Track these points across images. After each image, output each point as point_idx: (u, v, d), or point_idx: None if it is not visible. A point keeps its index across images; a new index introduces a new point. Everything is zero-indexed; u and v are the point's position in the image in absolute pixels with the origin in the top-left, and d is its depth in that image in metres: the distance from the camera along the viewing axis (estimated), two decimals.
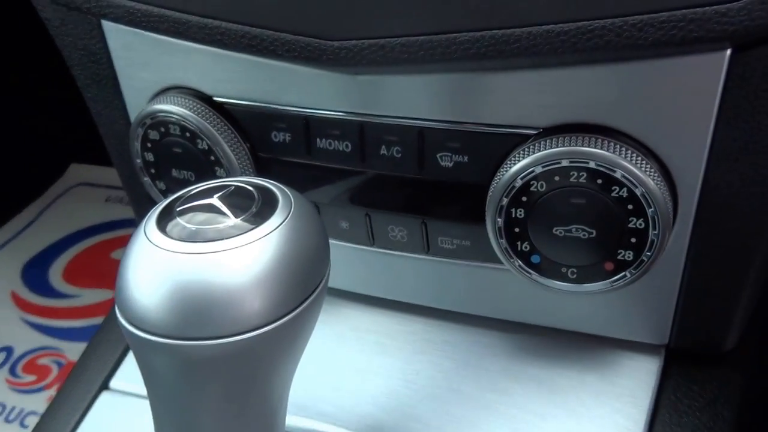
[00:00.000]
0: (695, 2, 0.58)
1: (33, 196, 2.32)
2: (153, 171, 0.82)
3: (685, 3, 0.58)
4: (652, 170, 0.65)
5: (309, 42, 0.68)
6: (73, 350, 1.82)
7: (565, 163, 0.65)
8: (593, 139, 0.65)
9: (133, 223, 0.96)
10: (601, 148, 0.64)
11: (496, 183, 0.69)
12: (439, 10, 0.64)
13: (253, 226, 0.52)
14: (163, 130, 0.79)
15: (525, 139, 0.69)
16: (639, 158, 0.64)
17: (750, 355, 0.82)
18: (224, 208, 0.54)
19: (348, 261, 0.84)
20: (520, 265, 0.72)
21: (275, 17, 0.69)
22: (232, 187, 0.56)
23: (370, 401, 0.80)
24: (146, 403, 0.59)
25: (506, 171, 0.68)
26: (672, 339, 0.78)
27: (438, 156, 0.72)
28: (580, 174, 0.65)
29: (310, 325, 0.56)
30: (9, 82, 2.15)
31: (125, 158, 0.87)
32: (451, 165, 0.72)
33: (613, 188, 0.65)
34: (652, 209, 0.65)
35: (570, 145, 0.65)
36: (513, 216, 0.69)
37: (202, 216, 0.53)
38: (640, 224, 0.66)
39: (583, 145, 0.65)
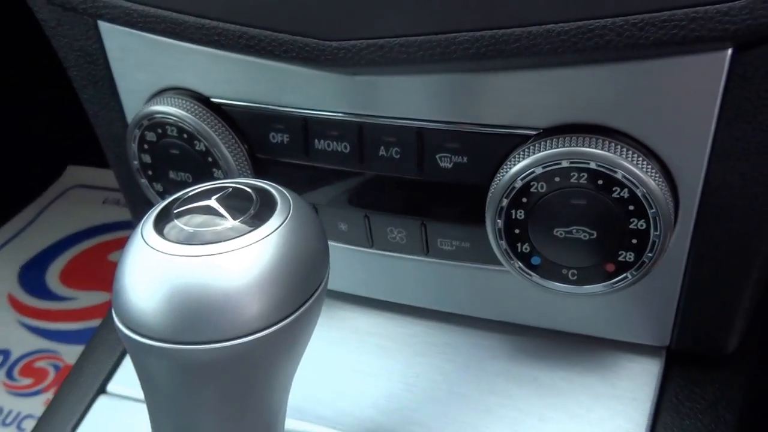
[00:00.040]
0: (697, 1, 0.57)
1: (30, 198, 2.32)
2: (150, 173, 0.82)
3: (686, 2, 0.57)
4: (653, 171, 0.64)
5: (307, 42, 0.68)
6: (70, 353, 1.82)
7: (565, 163, 0.65)
8: (594, 139, 0.65)
9: (131, 225, 0.96)
10: (602, 149, 0.64)
11: (496, 184, 0.68)
12: (439, 10, 0.64)
13: (252, 228, 0.52)
14: (160, 131, 0.78)
15: (525, 139, 0.68)
16: (640, 159, 0.64)
17: (751, 357, 0.82)
18: (222, 210, 0.53)
19: (347, 263, 0.83)
20: (520, 267, 0.71)
21: (273, 17, 0.69)
22: (230, 189, 0.56)
23: (369, 404, 0.80)
24: (144, 407, 0.58)
25: (506, 172, 0.67)
26: (673, 341, 0.77)
27: (437, 157, 0.72)
28: (581, 175, 0.65)
29: (309, 328, 0.56)
30: (5, 83, 2.15)
31: (122, 160, 0.87)
32: (450, 166, 0.72)
33: (613, 189, 0.65)
34: (654, 210, 0.64)
35: (570, 146, 0.65)
36: (513, 217, 0.69)
37: (199, 218, 0.53)
38: (641, 225, 0.65)
39: (583, 146, 0.64)
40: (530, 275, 0.71)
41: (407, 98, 0.71)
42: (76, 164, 2.43)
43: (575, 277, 0.70)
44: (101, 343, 0.92)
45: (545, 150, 0.65)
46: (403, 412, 0.79)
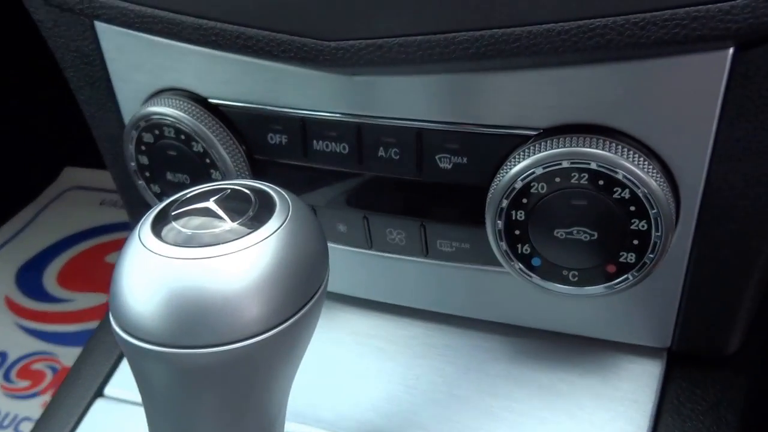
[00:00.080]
0: (698, 0, 0.57)
1: (27, 199, 2.31)
2: (147, 174, 0.82)
3: (688, 1, 0.57)
4: (654, 171, 0.64)
5: (305, 42, 0.68)
6: (68, 355, 1.82)
7: (565, 164, 0.65)
8: (594, 139, 0.64)
9: (128, 227, 0.95)
10: (603, 149, 0.64)
11: (496, 185, 0.68)
12: (438, 10, 0.64)
13: (251, 230, 0.51)
14: (157, 132, 0.78)
15: (525, 140, 0.68)
16: (641, 159, 0.64)
17: (753, 358, 0.82)
18: (220, 212, 0.53)
19: (346, 264, 0.83)
20: (520, 268, 0.71)
21: (271, 17, 0.69)
22: (229, 191, 0.55)
23: (369, 407, 0.80)
24: (141, 411, 0.58)
25: (506, 172, 0.67)
26: (674, 342, 0.77)
27: (437, 157, 0.71)
28: (582, 175, 0.65)
29: (309, 331, 0.56)
30: (2, 84, 2.14)
31: (119, 161, 0.87)
32: (450, 167, 0.71)
33: (614, 189, 0.64)
34: (655, 210, 0.64)
35: (571, 146, 0.65)
36: (513, 218, 0.68)
37: (197, 220, 0.53)
38: (643, 226, 0.65)
39: (584, 146, 0.64)
40: (530, 276, 0.71)
41: (406, 98, 0.70)
42: (73, 166, 2.42)
43: (576, 279, 0.70)
44: (99, 346, 0.92)
45: (545, 150, 0.65)
46: (403, 415, 0.78)
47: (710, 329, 0.76)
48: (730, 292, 0.73)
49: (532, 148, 0.66)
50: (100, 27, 0.79)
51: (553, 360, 0.81)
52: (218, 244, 0.50)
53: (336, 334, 0.87)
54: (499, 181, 0.68)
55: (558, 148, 0.65)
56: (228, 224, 0.52)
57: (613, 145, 0.64)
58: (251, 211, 0.53)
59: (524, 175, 0.66)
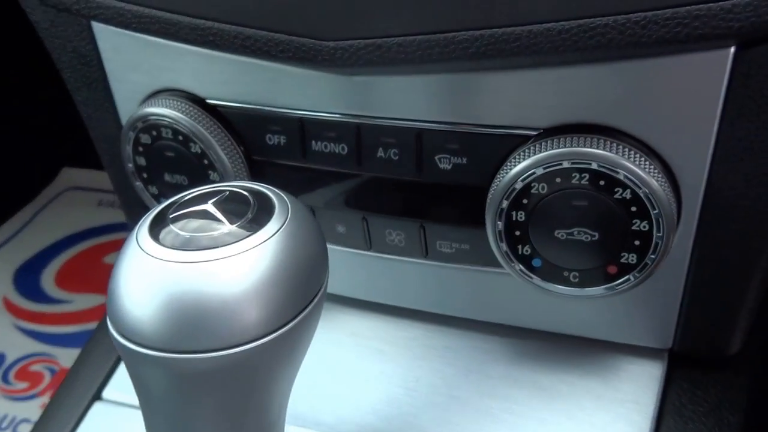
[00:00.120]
0: None
1: (24, 200, 2.31)
2: (145, 175, 0.81)
3: None
4: (656, 171, 0.64)
5: (304, 42, 0.68)
6: (66, 356, 1.81)
7: (566, 164, 0.64)
8: (595, 139, 0.64)
9: (126, 227, 0.95)
10: (603, 149, 0.64)
11: (496, 185, 0.68)
12: (437, 9, 0.63)
13: (250, 233, 0.51)
14: (155, 133, 0.78)
15: (525, 140, 0.68)
16: (642, 159, 0.64)
17: (755, 358, 0.82)
18: (219, 215, 0.53)
19: (345, 266, 0.83)
20: (521, 269, 0.71)
21: (269, 17, 0.68)
22: (227, 193, 0.55)
23: (370, 410, 0.80)
24: (140, 414, 0.57)
25: (506, 173, 0.67)
26: (675, 343, 0.77)
27: (436, 158, 0.71)
28: (582, 175, 0.64)
29: (309, 334, 0.55)
30: None
31: (116, 162, 0.86)
32: (449, 167, 0.71)
33: (615, 190, 0.64)
34: (656, 210, 0.64)
35: (571, 146, 0.64)
36: (513, 219, 0.68)
37: (196, 223, 0.52)
38: (644, 226, 0.65)
39: (584, 146, 0.64)
40: (531, 278, 0.71)
41: (405, 98, 0.70)
42: (70, 166, 2.42)
43: (577, 280, 0.69)
44: (97, 348, 0.91)
45: (546, 150, 0.65)
46: (403, 418, 0.78)
47: (712, 330, 0.76)
48: (731, 292, 0.73)
49: (532, 148, 0.66)
50: (97, 27, 0.79)
51: (554, 361, 0.81)
52: (217, 247, 0.50)
53: (335, 336, 0.87)
54: (500, 181, 0.67)
55: (558, 148, 0.65)
56: (226, 227, 0.51)
57: (614, 145, 0.64)
58: (250, 214, 0.53)
59: (525, 175, 0.66)
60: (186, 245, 0.50)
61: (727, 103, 0.61)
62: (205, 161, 0.77)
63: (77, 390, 0.87)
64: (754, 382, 0.80)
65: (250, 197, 0.54)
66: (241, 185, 0.56)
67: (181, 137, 0.76)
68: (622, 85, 0.63)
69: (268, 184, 0.57)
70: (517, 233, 0.69)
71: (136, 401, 0.57)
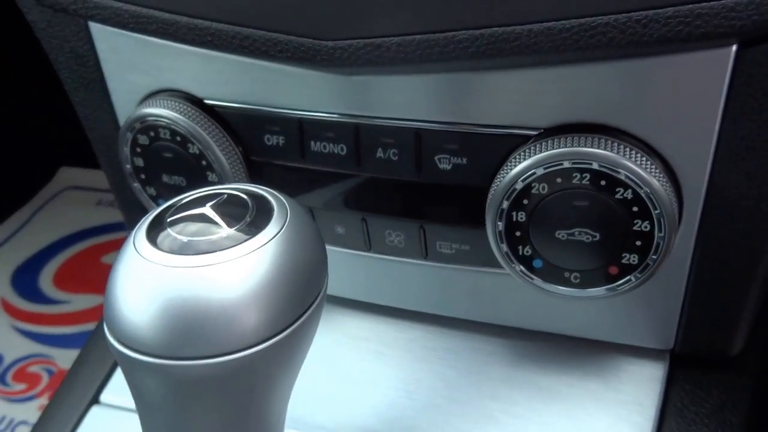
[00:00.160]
0: None
1: (22, 200, 2.31)
2: (143, 176, 0.81)
3: None
4: (657, 170, 0.64)
5: (302, 42, 0.67)
6: (64, 357, 1.81)
7: (567, 164, 0.64)
8: (596, 139, 0.64)
9: (124, 227, 0.95)
10: (604, 149, 0.63)
11: (497, 186, 0.68)
12: (437, 8, 0.63)
13: (248, 237, 0.50)
14: (152, 134, 0.77)
15: (525, 140, 0.67)
16: (643, 158, 0.63)
17: (757, 359, 0.81)
18: (217, 218, 0.52)
19: (344, 267, 0.83)
20: (521, 270, 0.70)
21: (267, 17, 0.68)
22: (225, 195, 0.55)
23: (371, 413, 0.79)
24: (137, 418, 0.57)
25: (507, 173, 0.66)
26: (677, 344, 0.77)
27: (436, 158, 0.71)
28: (583, 175, 0.64)
29: (308, 338, 0.55)
30: None
31: (114, 163, 0.86)
32: (449, 167, 0.71)
33: (617, 190, 0.64)
34: (658, 211, 0.64)
35: (572, 146, 0.64)
36: (514, 219, 0.68)
37: (194, 226, 0.52)
38: (646, 226, 0.65)
39: (585, 146, 0.64)
40: (532, 279, 0.71)
41: (405, 98, 0.70)
42: (68, 165, 2.42)
43: (578, 281, 0.69)
44: (94, 351, 0.91)
45: (546, 150, 0.65)
46: (404, 421, 0.78)
47: (714, 330, 0.76)
48: (733, 292, 0.72)
49: (532, 148, 0.66)
50: (95, 27, 0.78)
51: (555, 363, 0.81)
52: (215, 251, 0.49)
53: (335, 338, 0.87)
54: (500, 181, 0.67)
55: (559, 148, 0.64)
56: (225, 231, 0.51)
57: (615, 144, 0.63)
58: (248, 217, 0.52)
59: (525, 175, 0.65)
60: (184, 249, 0.50)
61: (729, 101, 0.61)
62: (203, 162, 0.77)
63: (75, 393, 0.87)
64: (757, 383, 0.80)
65: (248, 200, 0.54)
66: (240, 188, 0.56)
67: (179, 138, 0.76)
68: (623, 85, 0.63)
69: (266, 185, 0.57)
70: (518, 234, 0.68)
71: (134, 405, 0.56)
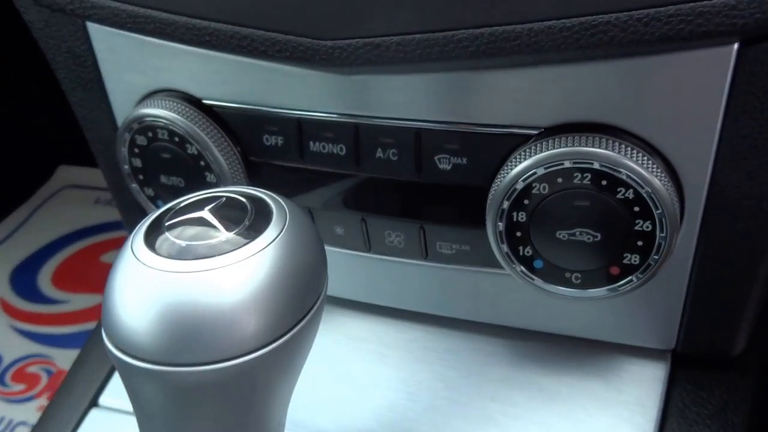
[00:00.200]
0: None
1: (21, 199, 2.31)
2: (141, 177, 0.81)
3: None
4: (658, 170, 0.63)
5: (301, 42, 0.67)
6: (63, 357, 1.81)
7: (567, 164, 0.64)
8: (597, 138, 0.64)
9: (123, 226, 0.94)
10: (605, 148, 0.63)
11: (497, 186, 0.67)
12: (436, 7, 0.63)
13: (248, 241, 0.50)
14: (150, 134, 0.77)
15: (526, 139, 0.67)
16: (644, 158, 0.63)
17: (758, 359, 0.81)
18: (216, 222, 0.52)
19: (344, 268, 0.83)
20: (522, 271, 0.70)
21: (266, 16, 0.68)
22: (224, 199, 0.54)
23: (370, 416, 0.79)
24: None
25: (507, 173, 0.66)
26: (679, 344, 0.77)
27: (436, 158, 0.71)
28: (584, 175, 0.64)
29: (308, 343, 0.54)
30: None
31: (112, 164, 0.86)
32: (449, 167, 0.71)
33: (618, 189, 0.64)
34: (659, 210, 0.63)
35: (573, 146, 0.64)
36: (514, 220, 0.68)
37: (192, 230, 0.51)
38: (647, 226, 0.64)
39: (586, 145, 0.63)
40: (532, 279, 0.70)
41: (405, 98, 0.70)
42: (67, 164, 2.41)
43: (579, 281, 0.69)
44: (93, 353, 0.91)
45: (547, 150, 0.64)
46: (404, 423, 0.78)
47: (715, 330, 0.75)
48: (735, 292, 0.72)
49: (533, 147, 0.65)
50: (92, 27, 0.78)
51: (556, 363, 0.81)
52: (214, 256, 0.49)
53: (335, 339, 0.87)
54: (500, 182, 0.67)
55: (560, 147, 0.64)
56: (223, 234, 0.51)
57: (616, 144, 0.63)
58: (247, 221, 0.52)
59: (526, 175, 0.65)
60: (182, 254, 0.49)
61: (731, 100, 0.61)
62: (202, 163, 0.76)
63: (73, 396, 0.87)
64: (759, 383, 0.80)
65: (247, 203, 0.54)
66: (239, 190, 0.55)
67: (177, 138, 0.76)
68: (624, 84, 0.63)
69: (265, 186, 0.57)
70: (518, 234, 0.68)
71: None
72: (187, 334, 0.47)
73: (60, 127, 1.84)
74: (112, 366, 0.87)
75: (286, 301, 0.50)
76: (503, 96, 0.66)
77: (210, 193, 0.55)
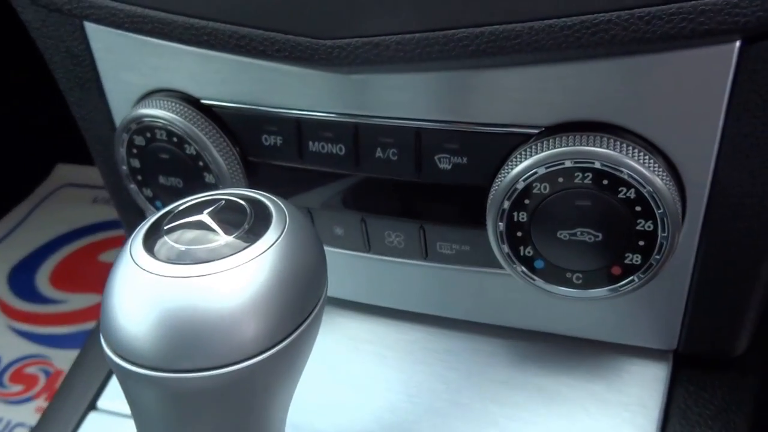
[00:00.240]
0: None
1: (18, 198, 2.31)
2: (139, 178, 0.81)
3: None
4: (660, 169, 0.63)
5: (300, 41, 0.67)
6: (61, 358, 1.81)
7: (568, 163, 0.64)
8: (598, 137, 0.64)
9: (121, 225, 0.94)
10: (606, 147, 0.63)
11: (497, 185, 0.67)
12: (436, 6, 0.63)
13: (247, 245, 0.50)
14: (149, 135, 0.77)
15: (526, 138, 0.67)
16: (646, 157, 0.63)
17: (761, 359, 0.81)
18: (215, 225, 0.51)
19: (344, 269, 0.82)
20: (523, 271, 0.70)
21: (265, 16, 0.68)
22: (223, 202, 0.54)
23: (371, 418, 0.79)
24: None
25: (507, 173, 0.66)
26: (680, 344, 0.77)
27: (436, 158, 0.71)
28: (585, 175, 0.64)
29: (308, 347, 0.54)
30: None
31: (110, 164, 0.86)
32: (449, 167, 0.71)
33: (619, 189, 0.63)
34: (661, 210, 0.63)
35: (573, 145, 0.64)
36: (515, 220, 0.67)
37: (191, 234, 0.51)
38: (649, 226, 0.64)
39: (587, 145, 0.63)
40: (533, 279, 0.70)
41: (404, 97, 0.69)
42: (65, 162, 2.41)
43: (580, 281, 0.69)
44: (92, 353, 0.91)
45: (548, 149, 0.64)
46: (405, 425, 0.78)
47: (717, 330, 0.75)
48: (737, 292, 0.72)
49: (533, 147, 0.65)
50: (90, 27, 0.78)
51: (557, 364, 0.80)
52: (213, 260, 0.48)
53: (335, 340, 0.87)
54: (501, 181, 0.67)
55: (560, 147, 0.64)
56: (223, 238, 0.50)
57: (617, 143, 0.63)
58: (246, 224, 0.51)
59: (526, 175, 0.65)
60: (181, 258, 0.49)
61: (733, 98, 0.61)
62: (200, 163, 0.76)
63: (72, 399, 0.87)
64: (761, 384, 0.80)
65: (246, 206, 0.53)
66: (238, 193, 0.55)
67: (175, 139, 0.76)
68: (625, 82, 0.62)
69: (264, 186, 0.57)
70: (519, 234, 0.68)
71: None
72: (187, 340, 0.47)
73: (58, 126, 1.84)
74: (111, 369, 0.87)
75: (286, 306, 0.50)
76: (504, 95, 0.66)
77: (209, 195, 0.55)
